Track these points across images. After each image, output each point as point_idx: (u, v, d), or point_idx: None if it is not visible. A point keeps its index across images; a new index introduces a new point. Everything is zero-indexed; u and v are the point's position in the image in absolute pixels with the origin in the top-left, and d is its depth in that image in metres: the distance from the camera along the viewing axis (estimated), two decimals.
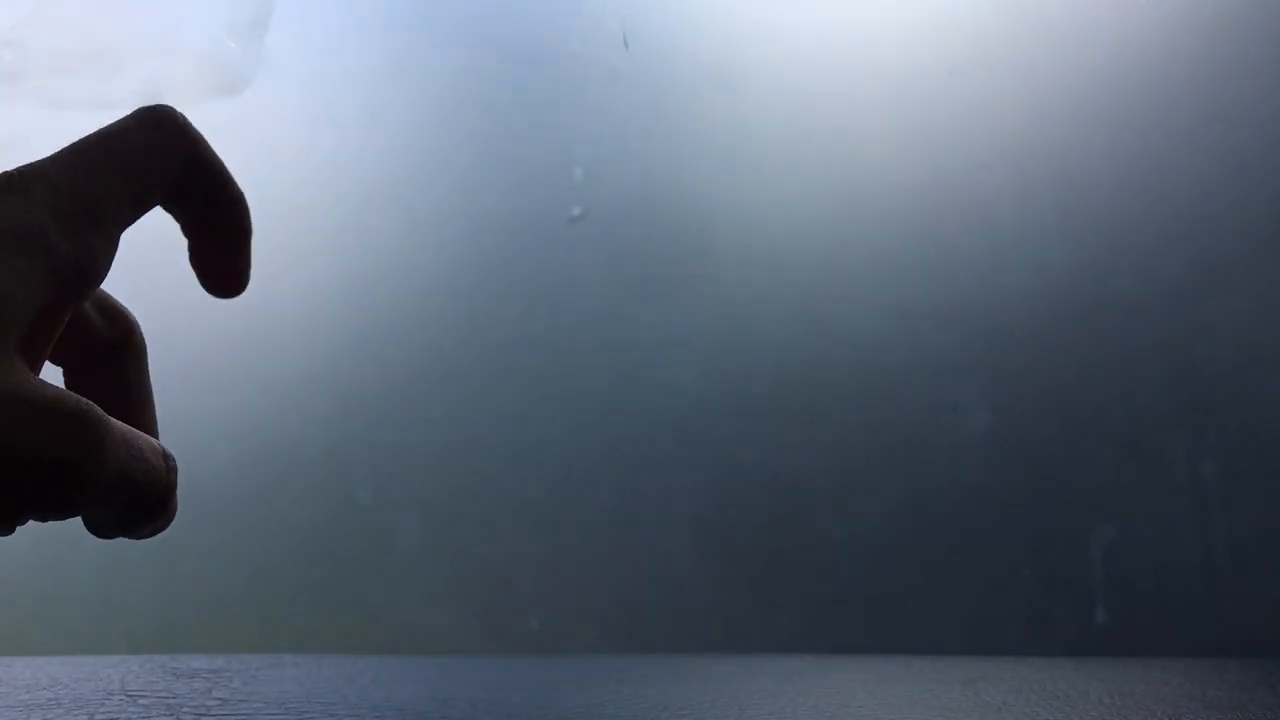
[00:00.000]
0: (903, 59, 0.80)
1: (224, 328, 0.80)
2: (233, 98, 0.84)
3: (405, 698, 0.42)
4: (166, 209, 0.29)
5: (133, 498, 0.26)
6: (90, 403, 0.25)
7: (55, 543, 0.67)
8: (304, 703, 0.40)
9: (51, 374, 0.30)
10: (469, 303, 0.83)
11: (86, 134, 0.28)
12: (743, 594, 0.77)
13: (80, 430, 0.24)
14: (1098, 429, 0.75)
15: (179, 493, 0.28)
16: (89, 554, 0.73)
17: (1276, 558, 0.72)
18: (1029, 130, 0.78)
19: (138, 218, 0.28)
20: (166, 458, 0.28)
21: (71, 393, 0.25)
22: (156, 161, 0.28)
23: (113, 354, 0.31)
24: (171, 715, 0.38)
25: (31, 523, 0.26)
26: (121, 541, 0.30)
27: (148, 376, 0.32)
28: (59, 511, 0.25)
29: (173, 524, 0.29)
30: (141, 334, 0.32)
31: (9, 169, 0.26)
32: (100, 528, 0.27)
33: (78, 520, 0.27)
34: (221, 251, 0.30)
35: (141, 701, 0.40)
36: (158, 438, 0.31)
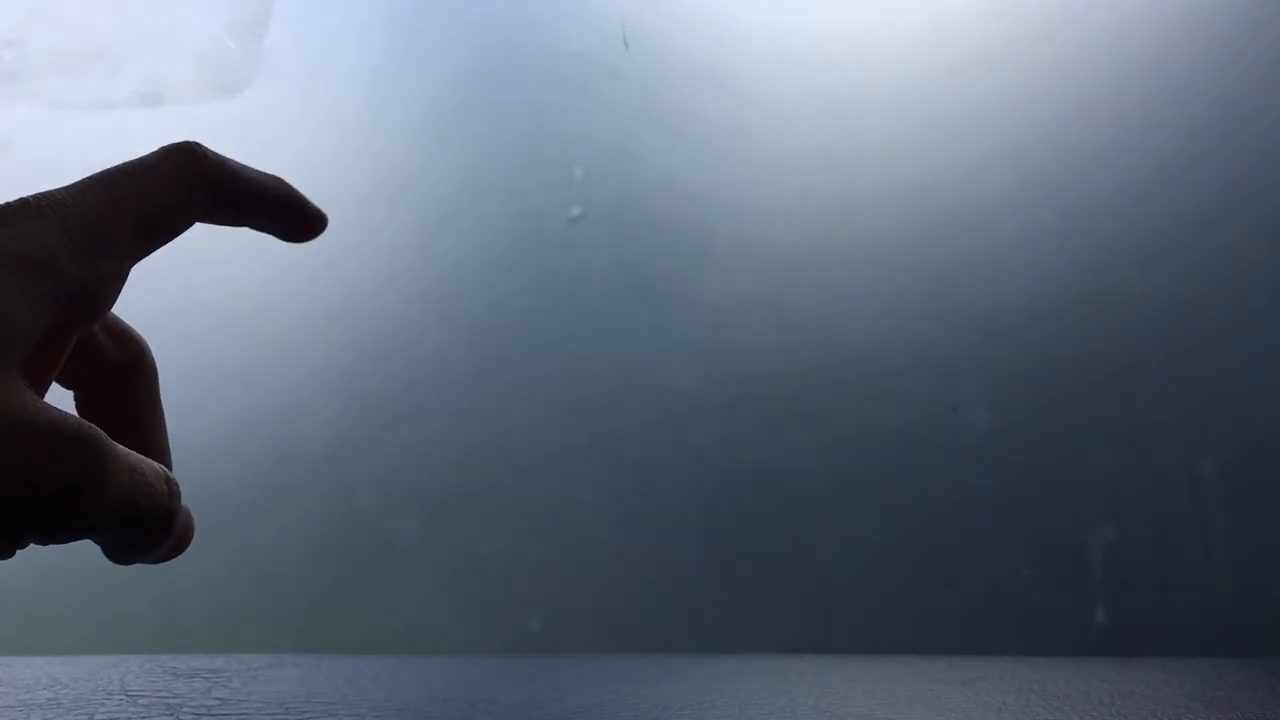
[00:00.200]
0: (902, 60, 0.80)
1: (224, 328, 0.80)
2: (232, 98, 0.84)
3: (406, 697, 0.42)
4: (221, 224, 0.31)
5: (136, 522, 0.26)
6: (94, 427, 0.25)
7: None
8: (304, 702, 0.40)
9: (63, 397, 0.30)
10: (469, 303, 0.83)
11: (107, 167, 0.28)
12: (743, 594, 0.77)
13: (83, 455, 0.24)
14: (1097, 429, 0.75)
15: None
16: (89, 554, 0.72)
17: (1276, 558, 0.72)
18: (1028, 131, 0.78)
19: (151, 250, 0.29)
20: (169, 482, 0.28)
21: (75, 417, 0.25)
22: (172, 197, 0.28)
23: (124, 377, 0.31)
24: (171, 715, 0.38)
25: None
26: None
27: (159, 399, 0.32)
28: (61, 535, 0.25)
29: None
30: (152, 357, 0.32)
31: (24, 196, 0.26)
32: (109, 551, 0.28)
33: None
34: (291, 231, 0.33)
35: (141, 701, 0.40)
36: (170, 460, 0.32)
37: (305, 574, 0.79)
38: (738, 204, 0.81)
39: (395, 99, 0.85)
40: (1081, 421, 0.75)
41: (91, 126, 0.83)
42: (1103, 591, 0.73)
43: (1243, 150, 0.76)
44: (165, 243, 0.29)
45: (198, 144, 0.29)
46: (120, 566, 0.29)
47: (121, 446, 0.26)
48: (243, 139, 0.83)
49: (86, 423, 0.25)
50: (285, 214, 0.32)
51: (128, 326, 0.32)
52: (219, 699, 0.41)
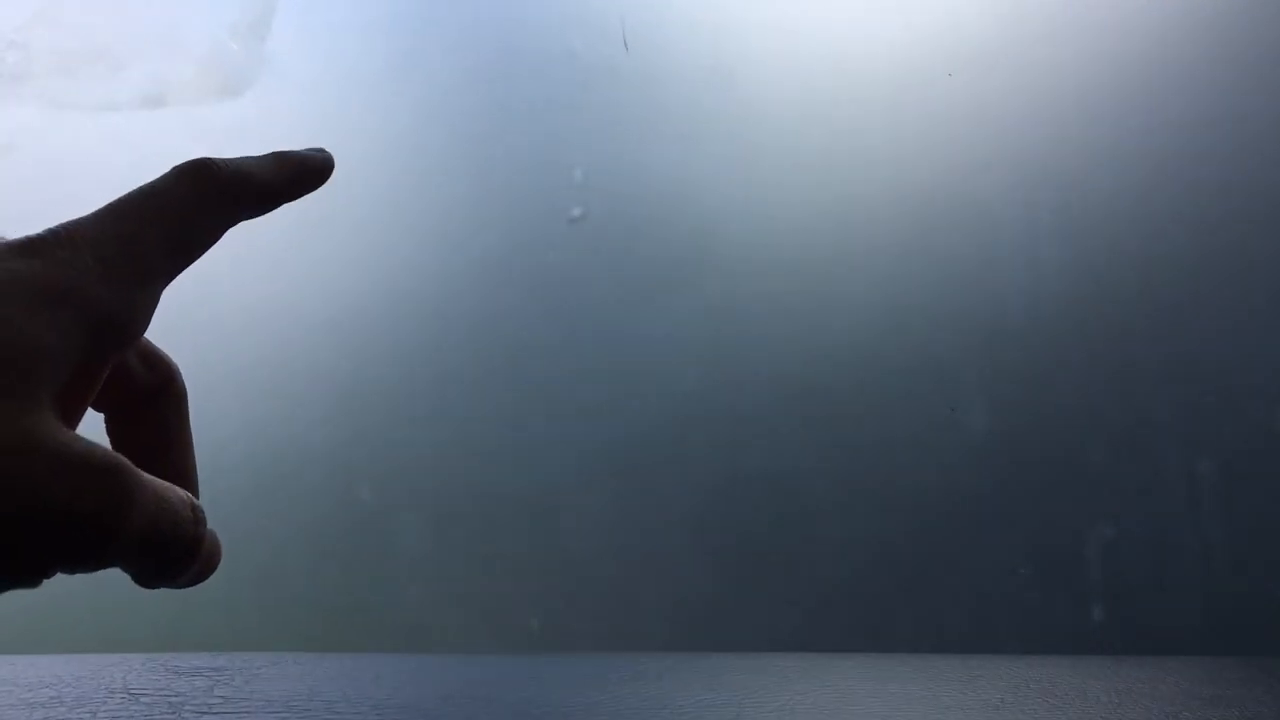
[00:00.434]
0: (901, 61, 0.80)
1: (226, 327, 0.80)
2: (235, 99, 0.84)
3: (407, 696, 0.42)
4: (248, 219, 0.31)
5: (161, 550, 0.26)
6: (120, 457, 0.25)
7: None
8: (306, 700, 0.40)
9: (93, 420, 0.30)
10: (470, 303, 0.83)
11: (129, 191, 0.29)
12: (742, 593, 0.77)
13: (109, 485, 0.24)
14: (1095, 428, 0.75)
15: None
16: None
17: (1273, 556, 0.72)
18: (1028, 131, 0.79)
19: (179, 272, 0.29)
20: (195, 509, 0.28)
21: (102, 447, 0.25)
22: (193, 218, 0.29)
23: (153, 400, 0.31)
24: (174, 713, 0.38)
25: None
26: None
27: (188, 422, 0.33)
28: (87, 564, 0.25)
29: None
30: (182, 380, 0.32)
31: (52, 226, 0.27)
32: (136, 577, 0.28)
33: None
34: (309, 190, 0.33)
35: (144, 700, 0.40)
36: (196, 483, 0.32)
37: (307, 573, 0.80)
38: (738, 204, 0.81)
39: (396, 100, 0.85)
40: (1080, 421, 0.75)
41: (94, 127, 0.83)
42: (1101, 590, 0.73)
43: (1243, 150, 0.76)
44: (192, 262, 0.29)
45: (208, 158, 0.30)
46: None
47: (147, 475, 0.26)
48: (244, 140, 0.84)
49: (113, 453, 0.25)
50: (301, 184, 0.33)
51: (158, 349, 0.32)
52: (221, 697, 0.41)
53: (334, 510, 0.81)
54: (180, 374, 0.32)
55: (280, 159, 0.33)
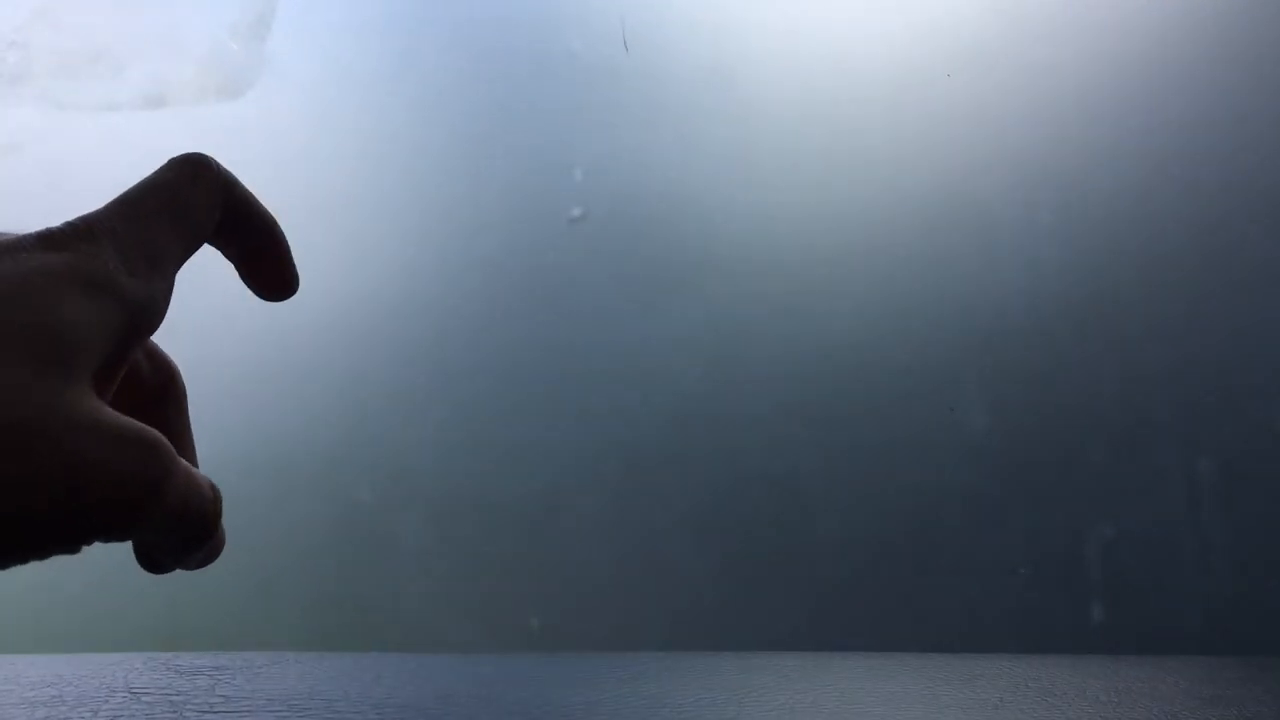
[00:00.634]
0: (900, 62, 0.80)
1: (226, 328, 0.80)
2: (235, 99, 0.84)
3: (407, 695, 0.42)
4: (213, 245, 0.32)
5: (187, 525, 0.28)
6: (157, 432, 0.27)
7: None
8: (306, 699, 0.40)
9: None
10: (470, 302, 0.83)
11: (131, 186, 0.30)
12: (742, 592, 0.77)
13: (150, 455, 0.26)
14: (1094, 428, 0.75)
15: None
16: (91, 552, 0.73)
17: (1272, 555, 0.72)
18: (1028, 131, 0.79)
19: (187, 259, 0.31)
20: (214, 489, 0.30)
21: (142, 424, 0.27)
22: (201, 208, 0.30)
23: (158, 398, 0.33)
24: (175, 712, 0.38)
25: None
26: None
27: (189, 420, 0.35)
28: (123, 533, 0.27)
29: None
30: (182, 380, 0.34)
31: (75, 219, 0.28)
32: (155, 554, 0.29)
33: None
34: (268, 272, 0.34)
35: (145, 699, 0.40)
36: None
37: (307, 572, 0.80)
38: (738, 204, 0.81)
39: (396, 100, 0.85)
40: (1080, 421, 0.75)
41: (95, 128, 0.83)
42: (1100, 590, 0.73)
43: (1243, 150, 0.76)
44: (197, 249, 0.31)
45: (207, 156, 0.31)
46: (123, 565, 0.30)
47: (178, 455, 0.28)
48: (245, 140, 0.84)
49: (150, 428, 0.27)
50: (276, 255, 0.34)
51: (160, 350, 0.34)
52: (222, 696, 0.41)
53: (334, 510, 0.81)
54: (180, 374, 0.34)
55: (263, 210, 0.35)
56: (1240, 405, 0.74)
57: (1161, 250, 0.76)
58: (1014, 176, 0.78)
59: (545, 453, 0.80)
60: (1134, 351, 0.76)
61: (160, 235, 0.29)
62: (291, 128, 0.85)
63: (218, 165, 0.31)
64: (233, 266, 0.34)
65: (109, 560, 0.30)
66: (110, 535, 0.27)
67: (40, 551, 0.27)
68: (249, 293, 0.35)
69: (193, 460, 0.34)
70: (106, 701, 0.40)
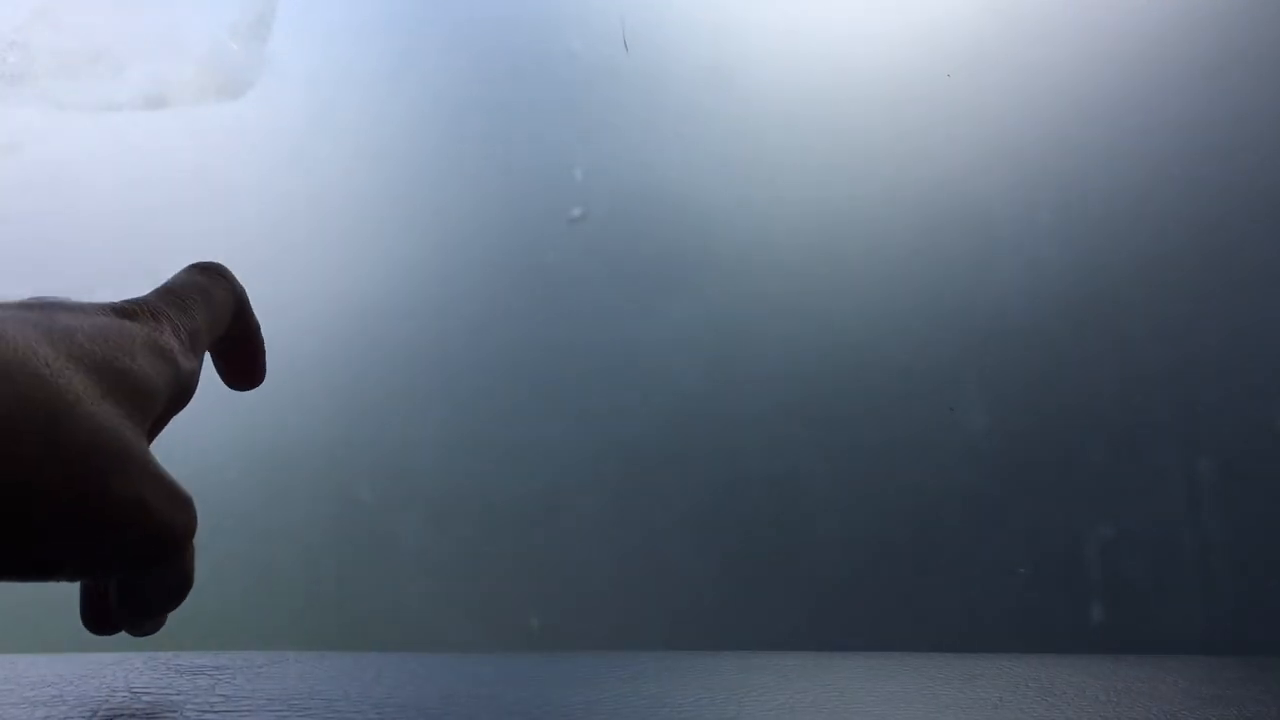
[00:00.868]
0: (900, 62, 0.80)
1: None
2: (235, 99, 0.84)
3: (407, 694, 0.42)
4: (223, 337, 0.38)
5: (186, 577, 0.32)
6: (192, 496, 0.31)
7: None
8: (307, 699, 0.40)
9: None
10: (470, 302, 0.83)
11: (171, 281, 0.35)
12: (742, 592, 0.77)
13: (190, 516, 0.30)
14: (1094, 428, 0.75)
15: None
16: None
17: (1272, 555, 0.72)
18: (1027, 131, 0.79)
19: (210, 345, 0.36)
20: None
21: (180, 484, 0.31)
22: (224, 306, 0.36)
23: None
24: (175, 712, 0.38)
25: None
26: None
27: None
28: (145, 571, 0.30)
29: None
30: None
31: (138, 300, 0.33)
32: (144, 596, 0.33)
33: None
34: (244, 363, 0.40)
35: (145, 698, 0.40)
36: None
37: (307, 572, 0.80)
38: (738, 204, 0.81)
39: (396, 101, 0.85)
40: (1080, 421, 0.75)
41: (95, 128, 0.83)
42: (1100, 590, 0.73)
43: (1243, 150, 0.76)
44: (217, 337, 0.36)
45: (222, 265, 0.37)
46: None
47: None
48: (245, 140, 0.84)
49: (185, 489, 0.31)
50: (253, 351, 0.41)
51: None
52: (222, 696, 0.41)
53: (334, 509, 0.81)
54: None
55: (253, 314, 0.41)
56: (1240, 405, 0.74)
57: (1161, 250, 0.76)
58: (1014, 176, 0.78)
59: (545, 453, 0.80)
60: (1134, 351, 0.76)
61: (199, 324, 0.34)
62: (291, 128, 0.85)
63: (232, 273, 0.37)
64: (229, 268, 0.37)
65: None
66: (137, 570, 0.30)
67: (75, 575, 0.30)
68: (249, 292, 0.38)
69: None
70: (107, 701, 0.40)
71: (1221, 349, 0.75)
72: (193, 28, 0.86)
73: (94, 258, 0.83)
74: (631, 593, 0.78)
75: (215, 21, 0.86)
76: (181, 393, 0.32)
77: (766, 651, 0.54)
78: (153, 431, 0.32)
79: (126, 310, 0.31)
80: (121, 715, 0.38)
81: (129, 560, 0.29)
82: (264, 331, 0.42)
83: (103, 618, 0.35)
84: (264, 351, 0.40)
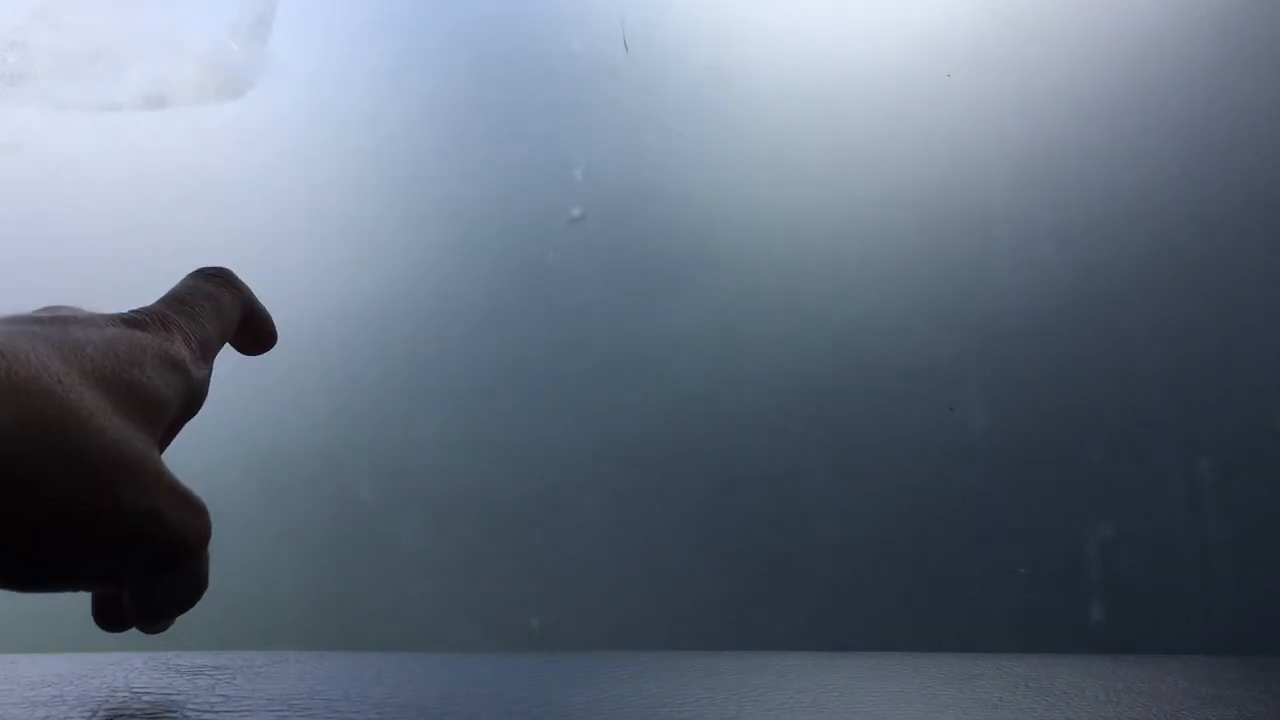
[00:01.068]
0: (900, 62, 0.80)
1: None
2: (235, 99, 0.84)
3: (407, 694, 0.42)
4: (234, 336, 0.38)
5: (199, 583, 0.33)
6: (205, 504, 0.31)
7: None
8: (307, 699, 0.40)
9: None
10: (470, 302, 0.83)
11: (178, 289, 0.36)
12: (742, 592, 0.77)
13: (203, 523, 0.31)
14: (1094, 428, 0.75)
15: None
16: None
17: (1272, 555, 0.72)
18: (1026, 132, 0.79)
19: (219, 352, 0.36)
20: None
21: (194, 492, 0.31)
22: (233, 312, 0.36)
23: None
24: (175, 712, 0.38)
25: None
26: None
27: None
28: (162, 577, 0.31)
29: None
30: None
31: (148, 310, 0.33)
32: (158, 601, 0.34)
33: None
34: (256, 339, 0.40)
35: (145, 698, 0.40)
36: None
37: (307, 571, 0.80)
38: (738, 205, 0.81)
39: (397, 101, 0.85)
40: (1079, 421, 0.75)
41: (95, 128, 0.83)
42: (1100, 590, 0.73)
43: (1243, 150, 0.76)
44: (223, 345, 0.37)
45: (230, 270, 0.37)
46: None
47: None
48: (245, 140, 0.84)
49: (199, 496, 0.31)
50: (267, 339, 0.40)
51: None
52: (222, 695, 0.41)
53: (334, 508, 0.81)
54: None
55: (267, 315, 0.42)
56: (1240, 405, 0.74)
57: (1161, 250, 0.76)
58: (1014, 176, 0.78)
59: (545, 453, 0.80)
60: (1134, 351, 0.76)
61: (209, 332, 0.34)
62: (291, 128, 0.85)
63: (238, 278, 0.38)
64: (229, 268, 0.38)
65: None
66: (152, 577, 0.31)
67: (91, 583, 0.30)
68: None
69: None
70: (107, 701, 0.40)
71: (1221, 349, 0.75)
72: (193, 28, 0.86)
73: (94, 257, 0.83)
74: (631, 593, 0.78)
75: (215, 21, 0.86)
76: (193, 401, 0.33)
77: (766, 651, 0.54)
78: (165, 440, 0.32)
79: (137, 320, 0.32)
80: (121, 715, 0.38)
81: (145, 569, 0.30)
82: None
83: (114, 616, 0.36)
84: (272, 340, 0.41)
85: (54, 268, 0.83)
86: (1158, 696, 0.42)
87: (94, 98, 0.84)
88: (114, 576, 0.30)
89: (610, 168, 0.82)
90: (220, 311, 0.35)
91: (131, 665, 0.47)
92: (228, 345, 0.39)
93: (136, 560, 0.29)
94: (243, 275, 0.39)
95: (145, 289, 0.36)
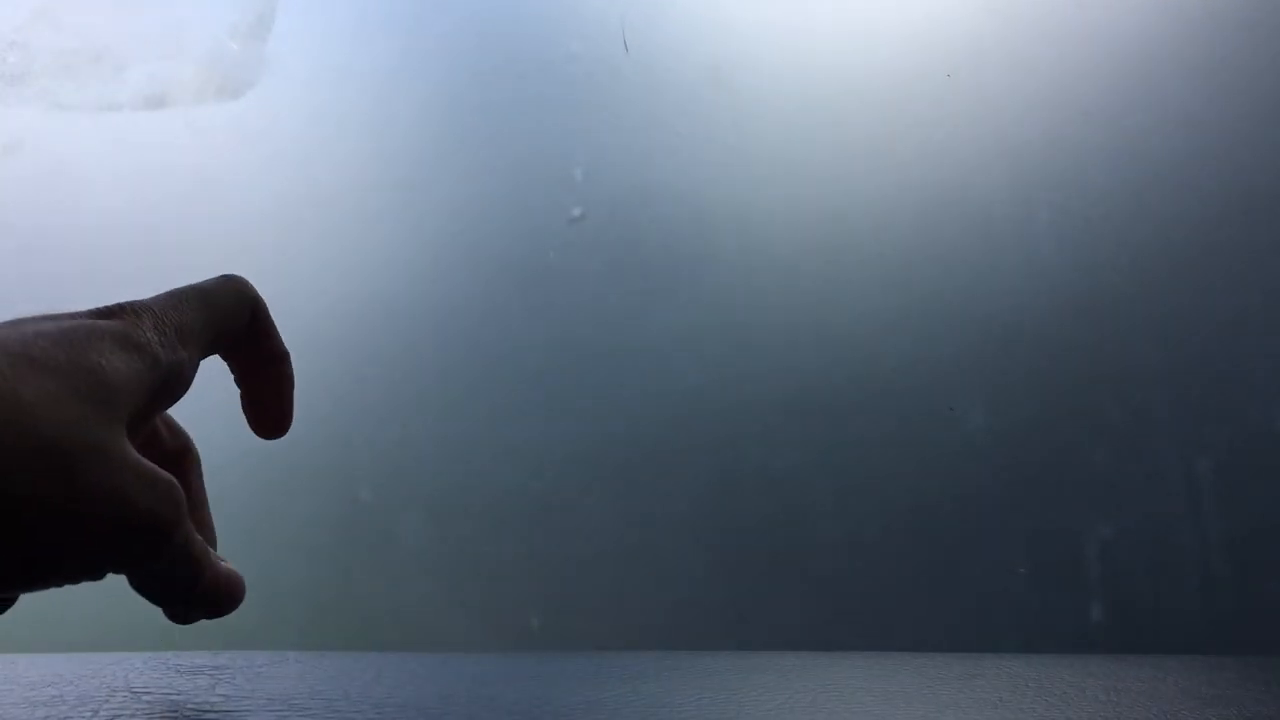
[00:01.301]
0: (900, 61, 0.80)
1: None
2: (235, 99, 0.84)
3: (407, 694, 0.42)
4: (228, 360, 0.38)
5: (185, 566, 0.32)
6: (174, 479, 0.31)
7: None
8: (307, 699, 0.40)
9: None
10: (470, 302, 0.83)
11: (181, 286, 0.36)
12: (742, 592, 0.77)
13: (168, 495, 0.30)
14: (1093, 428, 0.75)
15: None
16: None
17: (1271, 555, 0.72)
18: (1025, 131, 0.79)
19: (213, 351, 0.36)
20: (212, 547, 0.34)
21: (161, 469, 0.30)
22: (231, 310, 0.36)
23: (175, 462, 0.38)
24: (175, 712, 0.38)
25: None
26: None
27: (204, 485, 0.40)
28: (137, 563, 0.31)
29: None
30: (197, 449, 0.40)
31: (130, 301, 0.33)
32: (153, 599, 0.33)
33: None
34: (270, 399, 0.40)
35: (145, 698, 0.40)
36: (215, 535, 0.39)
37: (307, 572, 0.80)
38: (737, 204, 0.81)
39: (397, 101, 0.85)
40: (1079, 420, 0.75)
41: (95, 128, 0.84)
42: (1100, 590, 0.73)
43: (1242, 150, 0.76)
44: (224, 346, 0.37)
45: (244, 278, 0.37)
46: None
47: None
48: (245, 140, 0.84)
49: (168, 473, 0.30)
50: (280, 388, 0.40)
51: (177, 422, 0.39)
52: (222, 695, 0.41)
53: (335, 509, 0.81)
54: (194, 444, 0.40)
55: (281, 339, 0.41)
56: (1240, 405, 0.74)
57: (1161, 250, 0.76)
58: (1013, 176, 0.78)
59: (545, 452, 0.80)
60: (1133, 351, 0.76)
61: (191, 318, 0.34)
62: (291, 128, 0.85)
63: (251, 285, 0.37)
64: (230, 268, 0.37)
65: None
66: (128, 565, 0.30)
67: (68, 576, 0.30)
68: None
69: (208, 519, 0.40)
70: (107, 701, 0.40)
71: (1221, 349, 0.75)
72: (193, 28, 0.86)
73: (94, 257, 0.83)
74: (631, 593, 0.78)
75: (215, 21, 0.86)
76: (166, 383, 0.32)
77: (766, 651, 0.54)
78: (140, 424, 0.32)
79: (107, 311, 0.32)
80: (121, 715, 0.38)
81: (123, 552, 0.29)
82: None
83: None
84: (291, 385, 0.40)
85: (54, 267, 0.83)
86: (1158, 696, 0.42)
87: (94, 98, 0.84)
88: (96, 563, 0.29)
89: (610, 168, 0.82)
90: (208, 302, 0.35)
91: (131, 665, 0.47)
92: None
93: (110, 542, 0.29)
94: (243, 274, 0.39)
95: (145, 289, 0.36)
